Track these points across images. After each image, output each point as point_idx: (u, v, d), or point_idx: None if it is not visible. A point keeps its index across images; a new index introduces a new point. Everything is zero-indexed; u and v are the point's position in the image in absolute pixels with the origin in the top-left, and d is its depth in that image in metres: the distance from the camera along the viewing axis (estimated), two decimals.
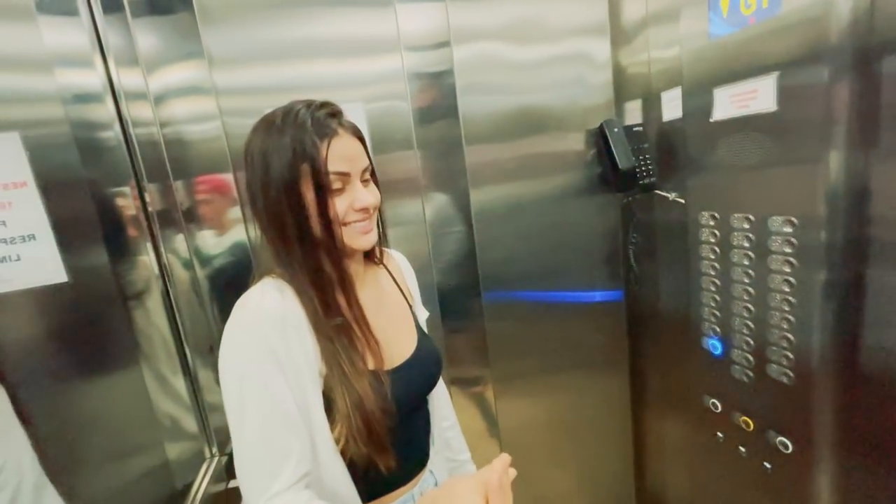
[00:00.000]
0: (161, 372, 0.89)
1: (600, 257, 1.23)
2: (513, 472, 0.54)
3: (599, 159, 1.14)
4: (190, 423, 0.91)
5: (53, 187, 0.81)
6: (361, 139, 0.66)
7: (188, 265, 1.01)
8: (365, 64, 1.08)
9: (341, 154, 0.61)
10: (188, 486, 0.84)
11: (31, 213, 0.79)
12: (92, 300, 0.80)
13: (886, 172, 0.64)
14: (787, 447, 0.82)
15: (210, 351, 1.01)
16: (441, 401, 0.85)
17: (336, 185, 0.61)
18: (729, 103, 0.81)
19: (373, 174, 0.69)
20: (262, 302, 0.59)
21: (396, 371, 0.67)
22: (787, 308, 0.78)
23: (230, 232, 1.09)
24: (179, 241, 1.01)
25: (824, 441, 0.78)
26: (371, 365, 0.64)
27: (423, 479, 0.75)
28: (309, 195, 0.60)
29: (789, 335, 0.78)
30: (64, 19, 0.81)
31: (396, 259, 0.84)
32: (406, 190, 1.13)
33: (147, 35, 0.97)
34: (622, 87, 1.15)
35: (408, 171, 1.12)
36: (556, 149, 1.14)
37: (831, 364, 0.74)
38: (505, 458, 0.54)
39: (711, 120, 0.85)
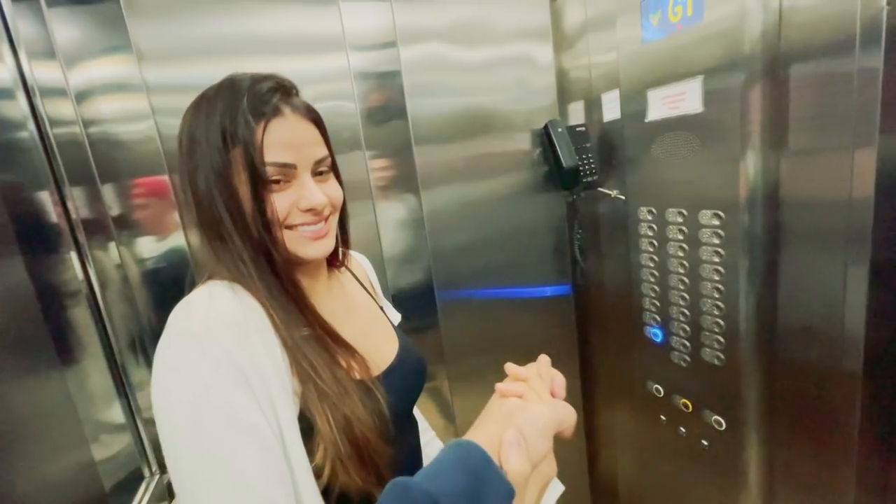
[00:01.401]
0: (90, 389, 0.82)
1: (549, 253, 1.27)
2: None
3: (545, 158, 1.18)
4: (125, 442, 0.85)
5: None
6: (318, 122, 0.56)
7: (120, 274, 0.94)
8: (309, 62, 1.05)
9: (284, 140, 0.50)
10: None
11: None
12: (6, 314, 0.73)
13: (795, 169, 0.71)
14: (721, 425, 0.89)
15: (145, 360, 0.95)
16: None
17: (276, 176, 0.50)
18: (661, 105, 0.87)
19: (334, 167, 0.58)
20: (212, 304, 0.46)
21: (384, 377, 0.58)
22: (717, 295, 0.84)
23: (168, 237, 1.02)
24: (110, 248, 0.94)
25: (752, 417, 0.84)
26: (357, 374, 0.53)
27: None
28: (242, 189, 0.49)
29: (719, 320, 0.84)
30: None
31: (359, 260, 0.78)
32: (356, 191, 1.12)
33: (65, 26, 0.89)
34: (565, 88, 1.20)
35: (357, 172, 1.11)
36: (504, 149, 1.16)
37: (756, 345, 0.81)
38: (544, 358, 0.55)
39: (646, 120, 0.90)
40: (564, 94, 1.20)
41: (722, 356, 0.85)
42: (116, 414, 0.86)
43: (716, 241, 0.82)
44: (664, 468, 1.09)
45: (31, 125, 0.77)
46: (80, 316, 0.85)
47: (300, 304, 0.53)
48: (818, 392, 0.74)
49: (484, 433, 0.42)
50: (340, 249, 0.67)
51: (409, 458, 0.65)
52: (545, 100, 1.16)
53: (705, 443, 0.94)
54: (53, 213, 0.80)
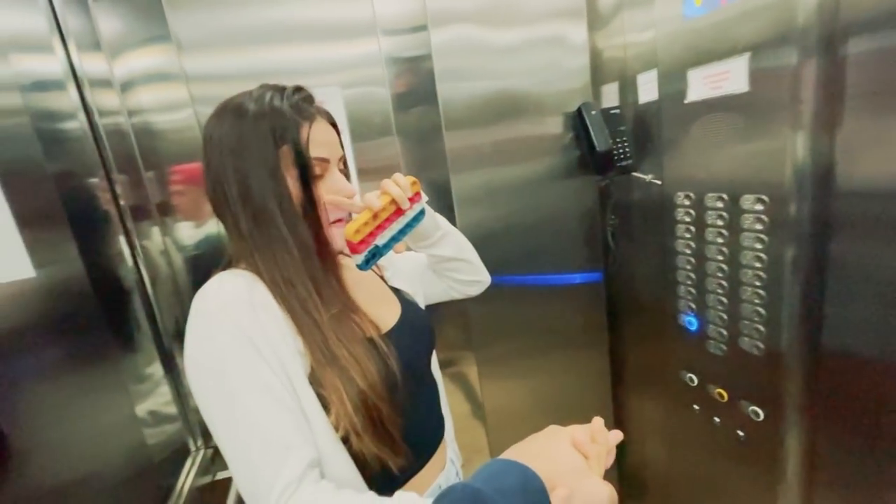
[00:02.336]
0: (139, 366, 0.87)
1: (579, 239, 1.25)
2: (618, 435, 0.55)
3: (577, 142, 1.15)
4: (172, 417, 0.90)
5: (15, 181, 0.77)
6: (336, 127, 0.64)
7: (164, 256, 0.98)
8: (341, 48, 1.05)
9: (321, 139, 0.59)
10: (174, 481, 0.83)
11: None
12: (62, 295, 0.77)
13: (850, 151, 0.67)
14: (758, 415, 0.86)
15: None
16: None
17: (318, 171, 0.59)
18: (702, 84, 0.83)
19: (345, 166, 0.66)
20: (221, 287, 0.54)
21: (390, 334, 0.63)
22: (758, 283, 0.81)
23: (206, 224, 1.06)
24: (154, 232, 0.98)
25: (793, 409, 0.82)
26: (367, 332, 0.59)
27: (446, 468, 0.71)
28: (291, 181, 0.57)
29: (760, 309, 0.82)
30: (17, 1, 0.76)
31: None
32: (386, 176, 1.12)
33: (109, 18, 0.92)
34: (599, 70, 1.16)
35: (387, 157, 1.11)
36: (535, 133, 1.14)
37: (799, 335, 0.78)
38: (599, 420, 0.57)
39: (686, 101, 0.86)
40: (598, 75, 1.16)
41: (762, 345, 0.83)
42: (164, 392, 0.91)
43: (759, 227, 0.78)
44: (696, 458, 1.08)
45: (82, 116, 0.81)
46: (131, 301, 0.89)
47: (333, 287, 0.60)
48: (869, 386, 0.71)
49: (541, 466, 0.45)
50: None
51: (428, 415, 0.70)
52: (578, 81, 1.13)
53: (741, 433, 0.91)
54: (103, 201, 0.84)
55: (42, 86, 0.78)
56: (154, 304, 0.93)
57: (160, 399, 0.88)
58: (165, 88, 0.99)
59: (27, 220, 0.76)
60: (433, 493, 0.64)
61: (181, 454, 0.90)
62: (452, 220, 1.15)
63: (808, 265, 0.75)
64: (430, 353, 0.74)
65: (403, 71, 1.11)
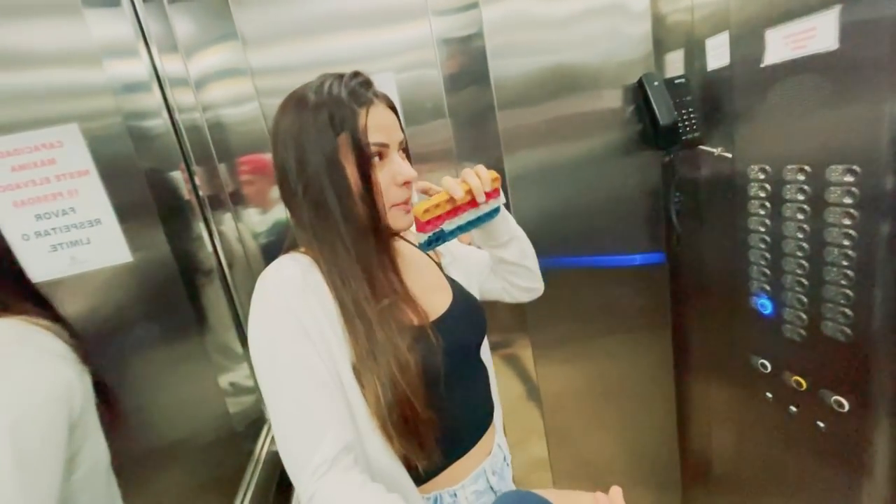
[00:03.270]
0: (220, 341, 0.96)
1: (640, 219, 1.19)
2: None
3: (639, 116, 1.09)
4: (251, 389, 0.99)
5: (113, 176, 0.87)
6: (395, 110, 0.63)
7: (238, 241, 1.06)
8: (394, 32, 1.06)
9: (379, 124, 0.58)
10: (253, 446, 0.92)
11: (96, 199, 0.85)
12: (154, 277, 0.87)
13: None
14: (842, 406, 0.80)
15: None
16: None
17: (375, 155, 0.58)
18: (783, 45, 0.76)
19: (406, 149, 0.66)
20: (278, 271, 0.57)
21: (439, 322, 0.64)
22: (845, 263, 0.74)
23: (273, 209, 1.13)
24: (227, 219, 1.06)
25: (884, 400, 0.75)
26: (414, 322, 0.60)
27: (493, 454, 0.70)
28: (350, 168, 0.57)
29: (848, 291, 0.75)
30: (107, 11, 0.84)
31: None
32: (440, 159, 1.13)
33: (183, 20, 0.99)
34: (662, 37, 1.09)
35: (441, 140, 1.12)
36: (592, 108, 1.09)
37: (892, 320, 0.71)
38: (617, 490, 0.56)
39: (762, 65, 0.79)
40: (661, 43, 1.09)
41: (848, 331, 0.76)
42: (243, 366, 0.99)
43: (848, 200, 0.71)
44: (767, 448, 1.02)
45: (165, 114, 0.88)
46: (212, 282, 0.98)
47: (392, 265, 0.61)
48: None
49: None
50: None
51: (476, 397, 0.70)
52: (639, 51, 1.06)
53: (822, 425, 0.85)
54: (185, 191, 0.92)
55: (131, 88, 0.87)
56: (231, 285, 1.02)
57: (240, 372, 0.97)
58: (233, 83, 1.06)
59: (124, 211, 0.85)
60: (478, 476, 0.67)
61: (259, 422, 0.98)
62: (507, 202, 1.14)
63: None
64: (482, 340, 0.74)
65: (455, 51, 1.10)
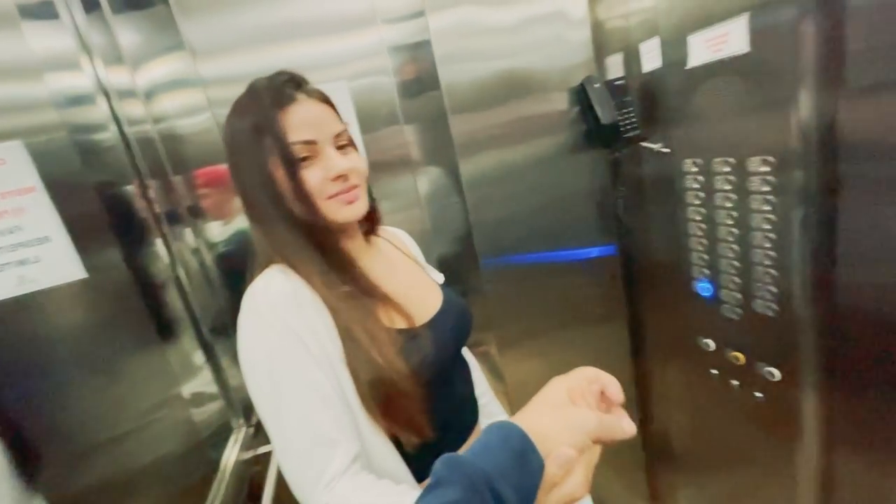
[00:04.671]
0: (181, 353, 0.95)
1: (592, 214, 1.26)
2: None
3: (583, 117, 1.15)
4: (214, 398, 0.98)
5: (60, 191, 0.85)
6: (329, 103, 0.62)
7: (196, 254, 1.05)
8: (345, 41, 1.08)
9: (303, 120, 0.57)
10: (220, 455, 0.91)
11: (44, 217, 0.83)
12: (111, 293, 0.85)
13: (854, 109, 0.66)
14: (774, 376, 0.87)
15: (225, 331, 1.07)
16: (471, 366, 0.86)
17: (303, 153, 0.57)
18: (704, 49, 0.82)
19: (350, 140, 0.64)
20: (269, 286, 0.56)
21: (430, 324, 0.65)
22: (768, 245, 0.81)
23: (232, 221, 1.12)
24: (185, 232, 1.05)
25: (808, 367, 0.82)
26: (404, 325, 0.61)
27: None
28: (278, 172, 0.56)
29: (772, 270, 0.82)
30: (47, 23, 0.82)
31: (395, 233, 0.84)
32: (397, 165, 1.16)
33: (127, 31, 0.98)
34: (602, 41, 1.15)
35: (397, 146, 1.14)
36: (541, 110, 1.15)
37: (811, 295, 0.78)
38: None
39: (688, 67, 0.86)
40: (601, 47, 1.15)
41: (775, 306, 0.83)
42: (205, 376, 0.99)
43: (766, 188, 0.78)
44: (717, 422, 1.09)
45: (113, 126, 0.87)
46: (172, 298, 0.97)
47: (341, 265, 0.61)
48: (882, 341, 0.72)
49: (527, 419, 0.44)
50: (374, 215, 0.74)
51: (462, 399, 0.72)
52: (581, 55, 1.12)
53: (760, 395, 0.93)
54: (140, 206, 0.91)
55: (75, 101, 0.85)
56: (191, 298, 1.01)
57: (202, 381, 0.96)
58: (184, 94, 1.05)
59: (76, 228, 0.83)
60: None
61: (225, 431, 0.98)
62: (463, 204, 1.18)
63: (816, 225, 0.74)
64: (467, 339, 0.75)
65: (407, 58, 1.13)
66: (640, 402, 1.45)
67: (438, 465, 0.40)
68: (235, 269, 1.13)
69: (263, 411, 0.54)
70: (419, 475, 0.61)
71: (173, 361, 0.89)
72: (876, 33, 0.61)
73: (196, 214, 1.09)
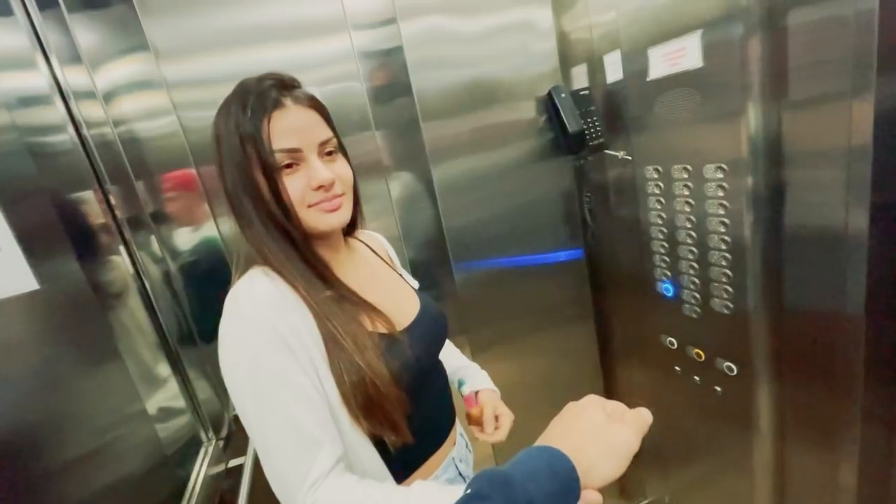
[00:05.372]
0: (147, 367, 0.91)
1: (560, 219, 1.30)
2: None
3: (550, 125, 1.19)
4: (182, 412, 0.94)
5: (11, 197, 0.80)
6: (319, 109, 0.61)
7: (161, 263, 1.02)
8: (314, 45, 1.08)
9: (288, 127, 0.56)
10: (189, 471, 0.88)
11: None
12: (67, 305, 0.81)
13: (796, 119, 0.72)
14: (732, 370, 0.93)
15: (192, 342, 1.03)
16: (449, 349, 0.91)
17: (286, 161, 0.56)
18: (662, 62, 0.87)
19: (342, 149, 0.64)
20: (253, 288, 0.55)
21: (409, 330, 0.66)
22: (723, 246, 0.87)
23: (201, 228, 1.09)
24: (150, 239, 1.01)
25: (762, 361, 0.88)
26: (383, 330, 0.61)
27: (457, 443, 0.75)
28: (260, 178, 0.56)
29: (727, 271, 0.87)
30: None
31: (376, 237, 0.85)
32: (369, 170, 1.16)
33: (86, 31, 0.94)
34: (567, 52, 1.20)
35: (368, 152, 1.15)
36: (510, 118, 1.18)
37: (762, 293, 0.84)
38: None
39: (648, 79, 0.91)
40: (567, 58, 1.20)
41: (731, 305, 0.89)
42: (172, 388, 0.95)
43: (720, 194, 0.84)
44: (681, 417, 1.14)
45: (70, 128, 0.83)
46: (135, 307, 0.93)
47: (321, 272, 0.61)
48: (825, 334, 0.77)
49: (567, 443, 0.43)
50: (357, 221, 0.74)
51: (440, 398, 0.74)
52: (548, 65, 1.17)
53: (719, 389, 0.98)
54: (100, 212, 0.87)
55: (29, 101, 0.81)
56: (156, 308, 0.97)
57: (168, 395, 0.92)
58: (147, 97, 1.02)
59: (26, 235, 0.79)
60: (448, 465, 0.71)
61: (194, 445, 0.94)
62: (435, 210, 1.19)
63: (765, 226, 0.80)
64: (444, 341, 0.77)
65: (378, 65, 1.14)
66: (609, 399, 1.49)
67: (482, 480, 0.40)
68: (203, 278, 1.10)
69: (246, 413, 0.53)
70: (397, 476, 0.62)
71: (136, 375, 0.85)
72: (813, 50, 0.67)
73: (160, 221, 1.05)
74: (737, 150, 0.78)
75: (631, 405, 0.50)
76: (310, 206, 0.59)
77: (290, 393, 0.52)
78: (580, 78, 1.20)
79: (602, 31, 1.09)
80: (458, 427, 0.79)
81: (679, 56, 0.83)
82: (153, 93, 1.00)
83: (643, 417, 0.48)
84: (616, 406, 0.49)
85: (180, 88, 1.02)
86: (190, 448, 0.93)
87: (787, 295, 0.82)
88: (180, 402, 0.95)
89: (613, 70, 1.06)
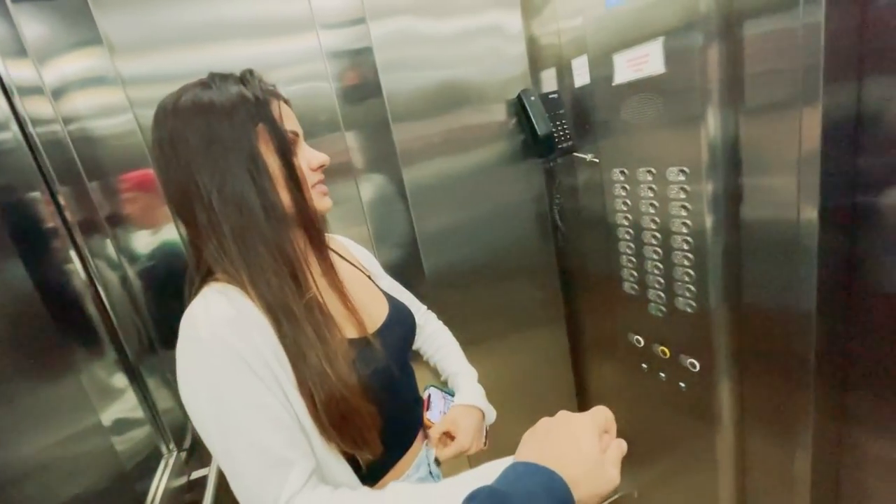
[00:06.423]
0: (102, 377, 0.87)
1: (531, 220, 1.31)
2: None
3: (520, 127, 1.21)
4: (141, 423, 0.90)
5: None
6: (289, 105, 0.64)
7: (119, 272, 0.97)
8: (281, 44, 1.05)
9: (287, 115, 0.60)
10: (148, 484, 0.84)
11: None
12: (13, 314, 0.76)
13: (752, 124, 0.75)
14: (695, 367, 0.96)
15: (152, 350, 0.99)
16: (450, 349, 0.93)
17: (292, 143, 0.59)
18: (627, 68, 0.89)
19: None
20: (209, 309, 0.53)
21: (380, 332, 0.66)
22: (686, 247, 0.89)
23: (160, 230, 1.05)
24: (105, 243, 0.97)
25: (722, 357, 0.91)
26: (355, 334, 0.61)
27: (426, 443, 0.76)
28: (271, 158, 0.56)
29: (690, 270, 0.90)
30: None
31: (341, 241, 0.84)
32: (338, 172, 1.14)
33: (32, 23, 0.89)
34: (537, 56, 1.21)
35: (337, 153, 1.13)
36: (480, 120, 1.18)
37: (723, 292, 0.87)
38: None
39: (614, 84, 0.93)
40: (536, 61, 1.22)
41: (694, 303, 0.92)
42: (130, 399, 0.90)
43: (683, 196, 0.86)
44: (649, 413, 1.17)
45: (14, 126, 0.78)
46: (88, 315, 0.88)
47: (298, 275, 0.58)
48: (780, 331, 0.81)
49: (567, 470, 0.43)
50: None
51: (407, 406, 0.74)
52: (517, 69, 1.18)
53: (683, 385, 1.01)
54: (48, 215, 0.82)
55: None
56: (112, 316, 0.92)
57: (126, 407, 0.88)
58: (101, 93, 0.97)
59: None
60: (419, 464, 0.71)
61: (154, 458, 0.90)
62: (407, 212, 1.19)
63: (725, 227, 0.83)
64: (412, 345, 0.78)
65: (347, 65, 1.12)
66: (579, 398, 1.52)
67: (481, 498, 0.39)
68: (163, 282, 1.06)
69: (211, 438, 0.52)
70: (368, 482, 0.62)
71: (90, 387, 0.81)
72: (766, 60, 0.70)
73: (118, 223, 1.00)
74: (697, 153, 0.81)
75: (601, 402, 0.50)
76: (313, 187, 0.61)
77: (256, 415, 0.51)
78: (549, 82, 1.22)
79: (570, 37, 1.11)
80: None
81: (642, 62, 0.85)
82: (108, 89, 0.96)
83: (622, 450, 0.48)
84: (606, 435, 0.48)
85: (137, 85, 0.97)
86: (150, 461, 0.89)
87: (745, 294, 0.85)
88: (139, 413, 0.90)
89: (581, 74, 1.08)
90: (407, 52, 1.09)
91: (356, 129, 1.15)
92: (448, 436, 0.75)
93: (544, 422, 0.50)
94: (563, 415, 0.50)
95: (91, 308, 0.88)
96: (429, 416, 0.78)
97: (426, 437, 0.77)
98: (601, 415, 0.49)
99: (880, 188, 0.65)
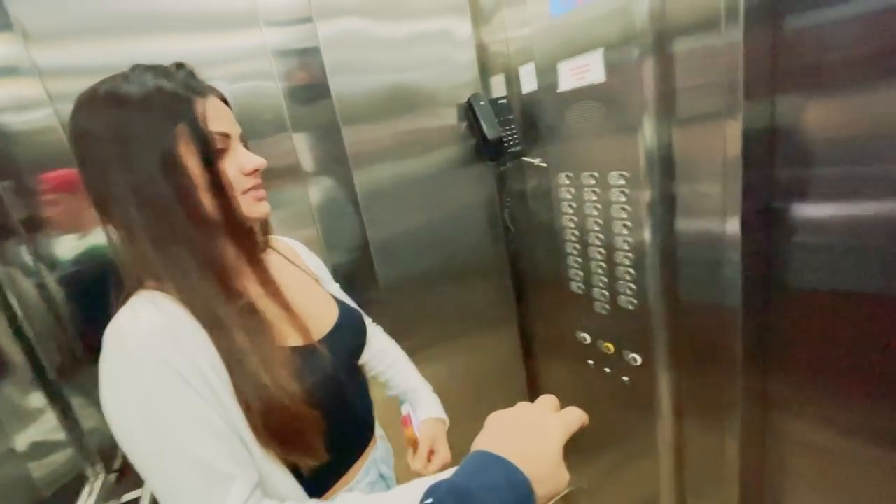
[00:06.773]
0: (15, 399, 0.79)
1: (483, 223, 1.33)
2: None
3: (471, 132, 1.23)
4: (62, 447, 0.82)
5: None
6: (228, 103, 0.60)
7: (34, 275, 0.88)
8: (222, 40, 1.01)
9: (218, 114, 0.55)
10: None
11: None
12: None
13: (683, 134, 0.81)
14: (636, 361, 1.01)
15: (75, 367, 0.91)
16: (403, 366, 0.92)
17: (220, 145, 0.54)
18: (571, 76, 0.93)
19: (245, 144, 0.62)
20: (138, 319, 0.49)
21: (327, 339, 0.64)
22: (626, 248, 0.94)
23: (87, 236, 0.97)
24: (18, 249, 0.88)
25: (661, 352, 0.97)
26: (299, 341, 0.59)
27: (376, 447, 0.74)
28: (191, 161, 0.52)
29: (631, 270, 0.95)
30: None
31: (289, 244, 0.81)
32: (285, 174, 1.10)
33: None
34: (486, 63, 1.24)
35: (283, 153, 1.09)
36: (432, 125, 1.19)
37: (661, 290, 0.92)
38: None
39: (559, 91, 0.97)
40: (486, 68, 1.24)
41: (635, 301, 0.97)
42: (49, 420, 0.82)
43: (623, 199, 0.91)
44: (596, 409, 1.19)
45: None
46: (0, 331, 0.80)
47: (227, 281, 0.56)
48: (711, 325, 0.87)
49: (528, 466, 0.42)
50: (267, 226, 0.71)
51: (357, 415, 0.72)
52: (467, 74, 1.20)
53: (626, 379, 1.06)
54: None
55: None
56: (28, 330, 0.84)
57: (44, 428, 0.80)
58: (14, 84, 0.88)
59: None
60: (369, 468, 0.69)
61: (76, 483, 0.83)
62: (358, 215, 1.17)
63: (661, 229, 0.88)
64: (363, 347, 0.76)
65: (296, 64, 1.09)
66: (531, 397, 1.55)
67: (441, 492, 0.39)
68: (90, 292, 0.97)
69: (142, 458, 0.48)
70: (318, 491, 0.60)
71: (1, 410, 0.73)
72: (694, 74, 0.75)
73: (36, 228, 0.91)
74: (635, 159, 0.85)
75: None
76: (243, 193, 0.57)
77: (192, 429, 0.47)
78: (499, 87, 1.24)
79: (518, 45, 1.14)
80: (379, 429, 0.78)
81: (585, 71, 0.89)
82: (22, 80, 0.87)
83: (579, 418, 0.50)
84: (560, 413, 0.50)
85: (58, 77, 0.89)
86: (73, 487, 0.81)
87: (681, 291, 0.91)
88: (59, 435, 0.83)
89: (528, 81, 1.11)
90: (356, 55, 1.08)
91: (305, 130, 1.11)
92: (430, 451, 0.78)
93: (516, 411, 0.50)
94: (535, 409, 0.50)
95: (2, 321, 0.80)
96: (414, 431, 0.79)
97: (416, 451, 0.79)
98: (574, 416, 0.51)
99: (793, 195, 0.71)
